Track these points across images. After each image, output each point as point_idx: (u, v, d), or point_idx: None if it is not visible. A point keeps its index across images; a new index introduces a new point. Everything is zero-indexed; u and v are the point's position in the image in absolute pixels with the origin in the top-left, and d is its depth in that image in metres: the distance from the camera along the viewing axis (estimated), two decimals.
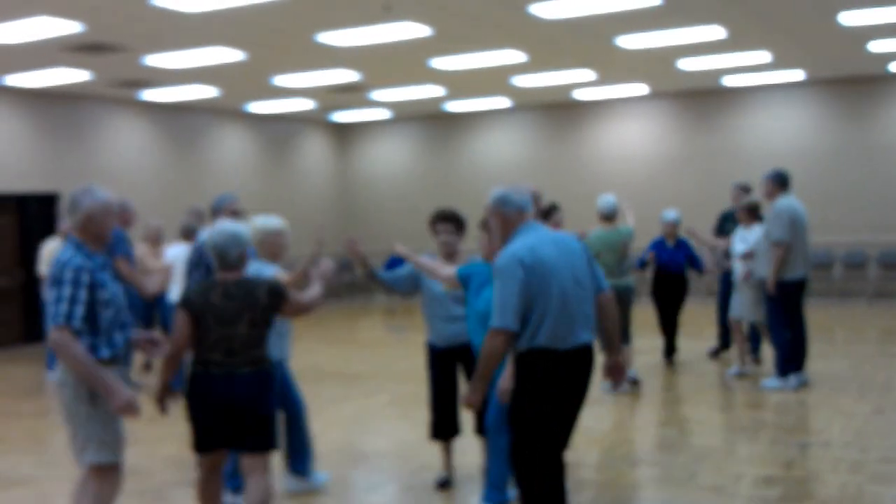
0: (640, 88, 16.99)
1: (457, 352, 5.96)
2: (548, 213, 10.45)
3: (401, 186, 20.40)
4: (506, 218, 4.59)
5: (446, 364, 6.04)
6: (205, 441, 4.65)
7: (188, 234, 10.39)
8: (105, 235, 4.51)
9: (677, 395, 9.22)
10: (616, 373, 4.80)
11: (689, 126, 17.67)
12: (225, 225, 4.73)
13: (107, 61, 12.11)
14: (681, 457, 6.84)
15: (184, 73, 13.18)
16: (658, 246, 10.56)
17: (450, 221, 5.63)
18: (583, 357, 4.46)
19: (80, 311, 4.27)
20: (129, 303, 5.30)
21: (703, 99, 17.46)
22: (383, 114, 19.54)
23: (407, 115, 19.82)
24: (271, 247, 5.86)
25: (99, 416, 4.41)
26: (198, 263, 6.31)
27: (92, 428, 4.41)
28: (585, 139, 18.56)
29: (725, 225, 10.87)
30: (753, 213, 9.64)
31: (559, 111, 18.70)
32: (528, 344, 4.38)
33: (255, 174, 18.62)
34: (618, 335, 4.78)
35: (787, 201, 9.05)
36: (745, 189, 10.56)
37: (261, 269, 5.56)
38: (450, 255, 5.73)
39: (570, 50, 12.81)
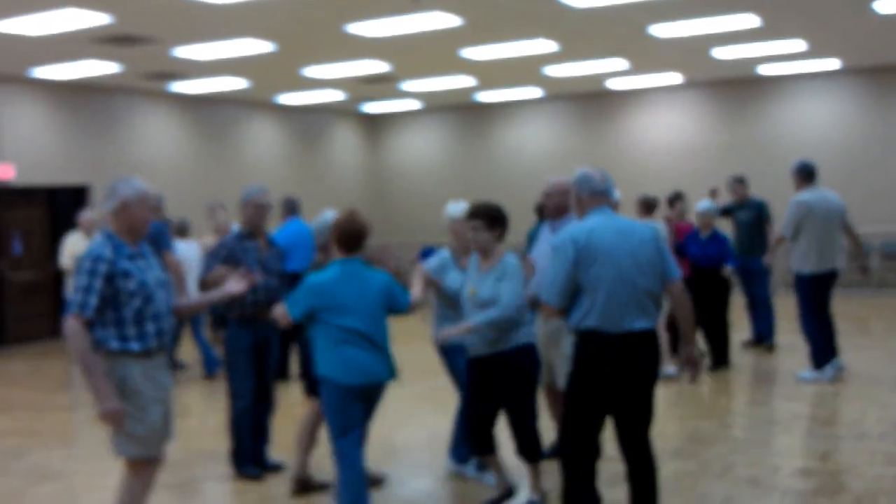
0: (674, 78, 16.79)
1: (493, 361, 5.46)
2: (673, 202, 10.32)
3: (431, 177, 20.31)
4: (579, 198, 4.69)
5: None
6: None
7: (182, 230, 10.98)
8: (138, 226, 4.48)
9: (713, 386, 9.07)
10: (690, 364, 4.84)
11: (723, 116, 17.44)
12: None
13: (136, 53, 12.11)
14: (717, 449, 6.76)
15: (214, 64, 13.16)
16: (691, 239, 9.93)
17: (479, 217, 5.52)
18: (635, 343, 4.47)
19: (93, 301, 4.25)
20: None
21: (737, 88, 17.21)
22: (414, 104, 19.46)
23: (437, 105, 19.73)
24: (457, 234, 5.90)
25: (129, 410, 4.36)
26: (216, 255, 6.27)
27: (123, 422, 4.37)
28: (618, 129, 18.37)
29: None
30: (648, 208, 9.66)
31: (592, 101, 18.52)
32: (579, 324, 4.50)
33: (286, 166, 18.60)
34: (690, 325, 4.81)
35: (806, 195, 8.89)
36: (741, 181, 11.03)
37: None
38: (483, 251, 5.59)
39: (603, 39, 12.65)
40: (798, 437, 7.07)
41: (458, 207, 5.96)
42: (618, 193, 9.88)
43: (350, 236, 5.02)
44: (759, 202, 10.93)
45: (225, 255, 6.24)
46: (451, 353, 5.93)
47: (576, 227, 4.58)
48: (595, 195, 4.64)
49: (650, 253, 4.55)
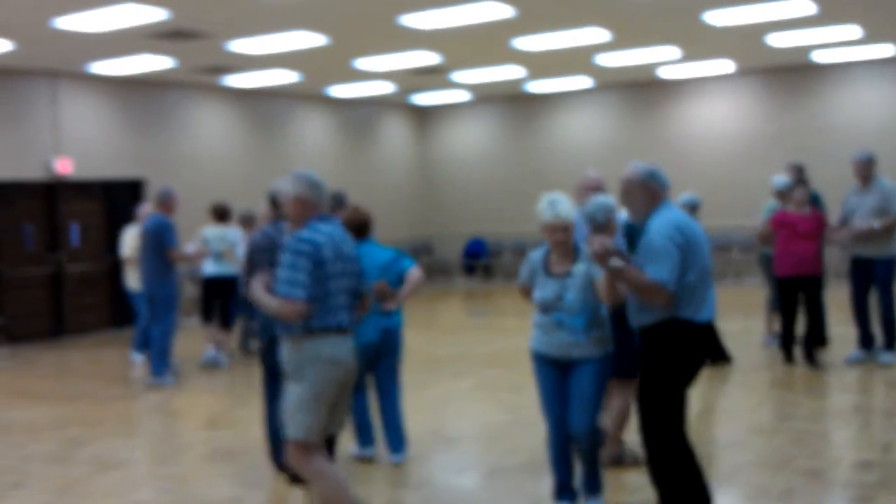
0: (727, 65, 16.56)
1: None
2: (799, 180, 9.94)
3: (481, 169, 20.28)
4: (653, 192, 4.78)
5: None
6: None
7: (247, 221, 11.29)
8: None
9: (772, 377, 8.96)
10: None
11: (776, 104, 17.17)
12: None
13: (190, 48, 12.25)
14: (777, 440, 6.69)
15: (266, 58, 13.26)
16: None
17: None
18: (711, 333, 4.85)
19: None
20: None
21: (791, 76, 16.93)
22: (464, 96, 19.43)
23: (487, 96, 19.68)
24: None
25: (301, 396, 4.59)
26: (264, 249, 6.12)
27: (293, 405, 4.59)
28: (669, 119, 18.19)
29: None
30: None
31: (643, 90, 18.35)
32: (676, 314, 4.64)
33: (337, 158, 18.70)
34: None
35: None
36: (800, 169, 10.29)
37: None
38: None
39: (657, 27, 12.52)
40: (858, 429, 6.96)
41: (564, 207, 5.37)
42: (784, 179, 10.01)
43: (357, 226, 6.28)
44: (814, 194, 10.16)
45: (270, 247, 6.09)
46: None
47: (671, 215, 4.70)
48: (665, 188, 4.82)
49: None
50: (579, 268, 5.01)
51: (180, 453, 7.18)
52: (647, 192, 4.75)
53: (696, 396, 8.16)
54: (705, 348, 4.77)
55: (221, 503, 5.79)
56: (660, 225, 4.61)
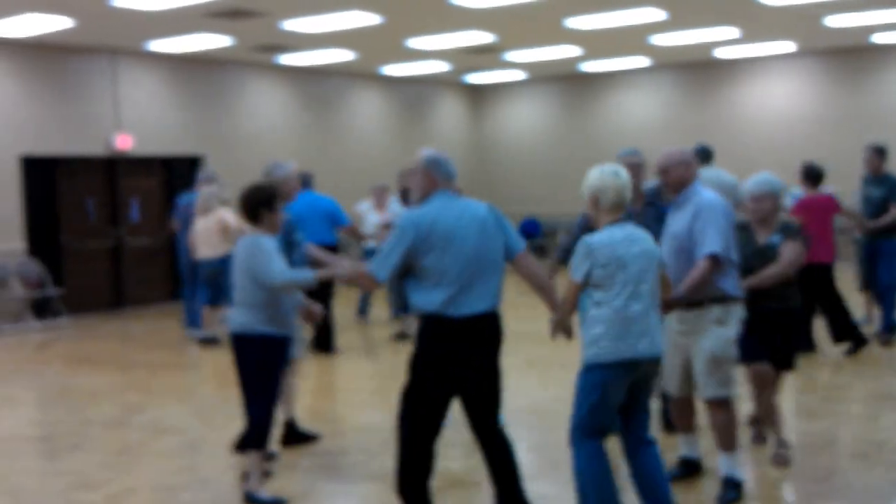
0: (787, 46, 16.33)
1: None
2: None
3: (536, 148, 20.26)
4: (431, 179, 4.71)
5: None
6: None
7: None
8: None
9: (818, 360, 8.90)
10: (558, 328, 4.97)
11: (837, 86, 16.89)
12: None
13: (246, 26, 12.43)
14: (821, 423, 6.68)
15: (321, 37, 13.40)
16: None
17: None
18: (473, 327, 4.64)
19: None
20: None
21: (851, 57, 16.64)
22: (518, 75, 19.42)
23: (542, 75, 19.63)
24: None
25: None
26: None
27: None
28: (727, 100, 17.99)
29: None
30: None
31: (700, 70, 18.17)
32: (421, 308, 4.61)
33: (391, 137, 18.82)
34: (549, 294, 4.86)
35: None
36: (880, 152, 9.36)
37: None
38: None
39: (713, 7, 12.40)
40: None
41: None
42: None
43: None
44: (894, 178, 9.36)
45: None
46: None
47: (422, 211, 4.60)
48: (448, 179, 4.72)
49: (493, 231, 4.63)
50: None
51: (233, 420, 7.37)
52: (426, 178, 4.70)
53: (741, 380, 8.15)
54: (459, 344, 4.50)
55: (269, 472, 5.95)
56: (403, 217, 4.65)
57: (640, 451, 4.54)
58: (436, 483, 4.81)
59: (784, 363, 5.77)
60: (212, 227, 10.57)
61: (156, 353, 10.60)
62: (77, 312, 13.58)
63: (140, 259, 14.74)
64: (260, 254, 5.15)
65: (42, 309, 13.19)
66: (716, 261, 4.92)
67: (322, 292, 9.27)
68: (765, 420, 5.81)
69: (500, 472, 4.72)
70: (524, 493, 4.72)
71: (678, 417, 5.46)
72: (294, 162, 6.89)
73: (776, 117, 17.41)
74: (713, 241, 4.92)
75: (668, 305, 4.85)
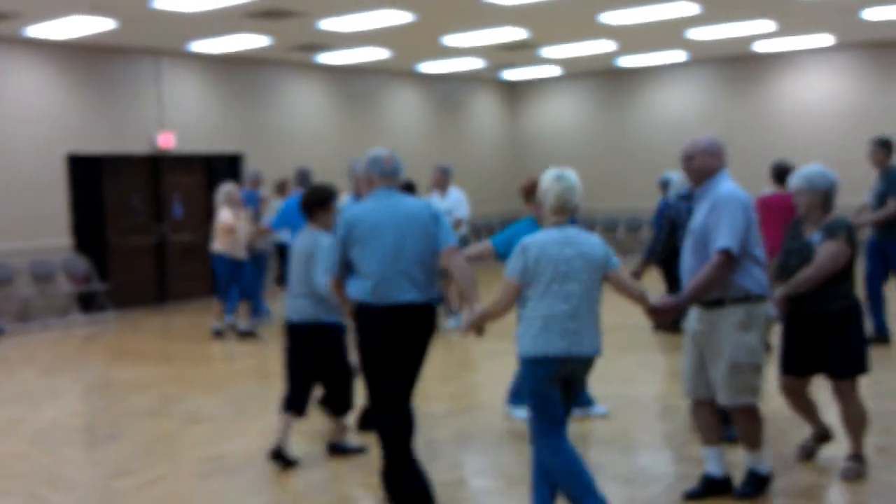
0: (825, 39, 16.21)
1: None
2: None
3: (572, 144, 20.28)
4: (368, 179, 4.99)
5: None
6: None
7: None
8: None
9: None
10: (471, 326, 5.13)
11: (876, 79, 16.72)
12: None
13: (284, 26, 12.66)
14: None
15: (356, 35, 13.59)
16: None
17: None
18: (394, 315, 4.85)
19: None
20: None
21: (891, 50, 16.45)
22: (554, 71, 19.46)
23: (578, 71, 19.66)
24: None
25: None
26: None
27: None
28: (766, 94, 17.89)
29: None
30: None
31: (738, 64, 18.08)
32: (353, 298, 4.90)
33: (427, 133, 19.00)
34: (470, 288, 4.97)
35: None
36: (885, 145, 9.03)
37: None
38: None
39: (746, 0, 12.39)
40: None
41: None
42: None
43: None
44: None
45: None
46: None
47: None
48: (385, 177, 4.91)
49: (421, 227, 4.78)
50: None
51: (265, 410, 7.59)
52: (366, 176, 4.98)
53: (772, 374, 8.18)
54: (384, 331, 4.73)
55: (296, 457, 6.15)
56: (342, 217, 4.94)
57: None
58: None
59: (825, 370, 5.35)
60: (217, 226, 11.05)
61: (196, 347, 10.88)
62: (121, 307, 13.94)
63: (182, 255, 15.08)
64: (317, 251, 5.75)
65: (88, 303, 13.60)
66: (728, 257, 4.73)
67: None
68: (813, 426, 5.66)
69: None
70: (414, 460, 4.82)
71: (697, 425, 5.16)
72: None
73: (815, 111, 17.29)
74: (725, 235, 4.72)
75: (677, 306, 4.85)
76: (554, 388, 4.50)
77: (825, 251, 5.14)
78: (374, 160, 4.94)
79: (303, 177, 10.90)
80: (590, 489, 4.43)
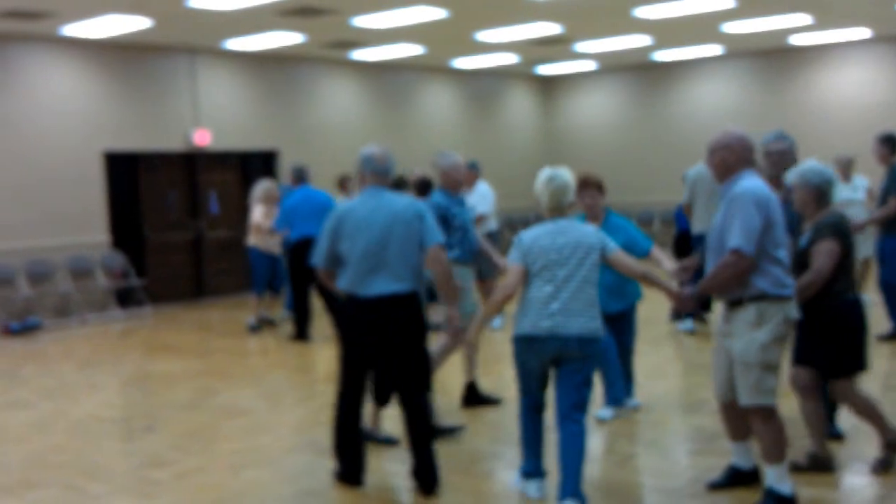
0: (862, 32, 16.01)
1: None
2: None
3: (608, 139, 20.19)
4: (361, 176, 5.38)
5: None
6: None
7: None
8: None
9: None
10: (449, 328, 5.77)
11: None
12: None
13: (318, 23, 12.73)
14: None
15: (390, 32, 13.63)
16: None
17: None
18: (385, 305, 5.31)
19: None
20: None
21: None
22: (589, 65, 19.39)
23: (613, 65, 19.56)
24: None
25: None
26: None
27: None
28: (803, 87, 17.69)
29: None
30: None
31: (774, 58, 17.90)
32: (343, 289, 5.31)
33: (462, 129, 19.00)
34: (447, 288, 5.41)
35: None
36: (889, 141, 8.78)
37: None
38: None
39: None
40: None
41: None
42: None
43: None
44: None
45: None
46: None
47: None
48: (376, 174, 5.31)
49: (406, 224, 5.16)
50: None
51: (299, 404, 7.66)
52: (360, 174, 5.37)
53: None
54: (364, 321, 5.16)
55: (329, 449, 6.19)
56: (333, 211, 5.40)
57: (561, 425, 4.88)
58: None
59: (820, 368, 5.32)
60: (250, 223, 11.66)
61: (232, 341, 10.99)
62: (158, 302, 14.11)
63: (218, 250, 15.21)
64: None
65: (125, 299, 13.78)
66: (739, 257, 4.57)
67: (303, 278, 9.94)
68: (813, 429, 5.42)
69: (414, 440, 5.27)
70: (433, 459, 5.23)
71: (725, 424, 5.14)
72: (458, 154, 7.14)
73: (852, 104, 17.07)
74: (735, 234, 4.57)
75: (691, 299, 4.99)
76: (537, 369, 4.94)
77: (818, 254, 5.10)
78: (368, 158, 5.29)
79: (299, 174, 10.94)
80: (529, 458, 5.13)
